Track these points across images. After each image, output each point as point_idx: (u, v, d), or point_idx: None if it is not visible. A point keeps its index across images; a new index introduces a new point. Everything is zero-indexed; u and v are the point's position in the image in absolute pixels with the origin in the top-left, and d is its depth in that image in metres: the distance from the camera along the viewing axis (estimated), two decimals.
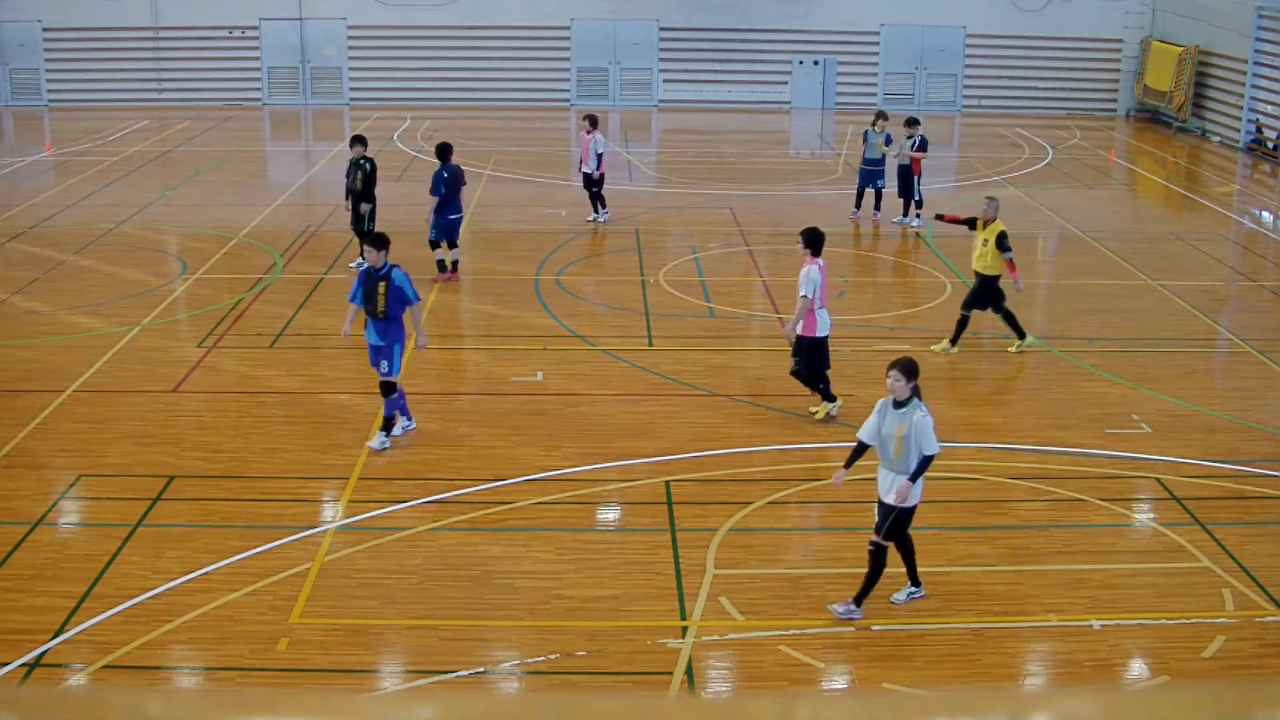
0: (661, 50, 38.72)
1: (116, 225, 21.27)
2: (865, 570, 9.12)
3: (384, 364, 11.88)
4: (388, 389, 11.93)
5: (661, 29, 38.52)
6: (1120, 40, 38.14)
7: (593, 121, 21.53)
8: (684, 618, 9.13)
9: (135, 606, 9.08)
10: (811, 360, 12.74)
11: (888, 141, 22.03)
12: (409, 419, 12.47)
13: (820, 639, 8.89)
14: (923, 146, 21.70)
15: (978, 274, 15.09)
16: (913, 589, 9.42)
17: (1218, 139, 33.73)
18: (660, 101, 38.81)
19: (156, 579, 9.46)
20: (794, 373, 12.90)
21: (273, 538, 10.17)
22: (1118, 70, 38.48)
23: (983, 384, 14.61)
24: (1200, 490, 11.45)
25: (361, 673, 8.50)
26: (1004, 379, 14.75)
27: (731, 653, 8.78)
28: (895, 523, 9.03)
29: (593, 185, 21.85)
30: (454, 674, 8.43)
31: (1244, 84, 32.47)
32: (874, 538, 9.08)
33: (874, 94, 38.97)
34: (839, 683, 8.58)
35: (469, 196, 24.09)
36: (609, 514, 11.08)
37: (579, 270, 18.95)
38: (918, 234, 21.62)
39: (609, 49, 38.74)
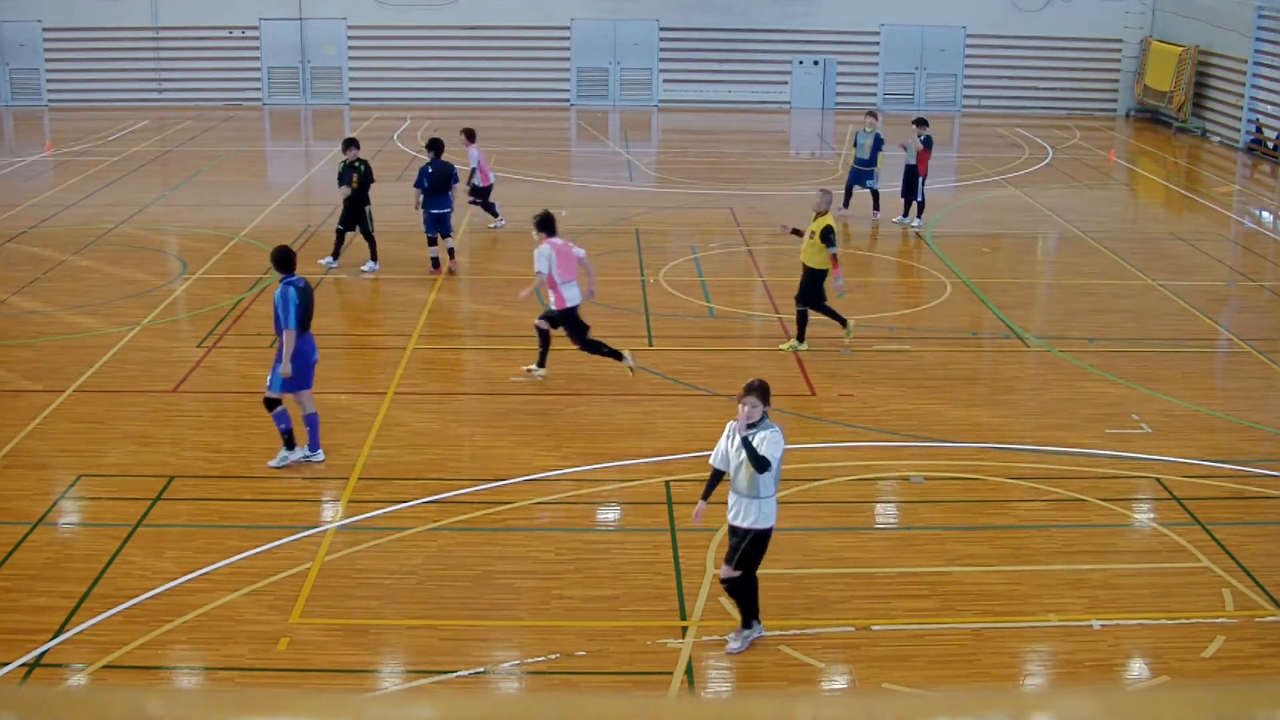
0: (661, 50, 38.72)
1: (116, 225, 21.27)
2: (746, 604, 8.69)
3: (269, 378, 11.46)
4: (267, 404, 11.51)
5: (661, 29, 38.52)
6: (1120, 40, 38.15)
7: (469, 135, 20.89)
8: (684, 618, 9.13)
9: (135, 606, 9.08)
10: (573, 330, 13.65)
11: (877, 142, 22.03)
12: (314, 450, 11.66)
13: (820, 639, 8.89)
14: (928, 145, 21.74)
15: (804, 266, 14.92)
16: (747, 631, 8.72)
17: (1218, 139, 33.73)
18: (660, 101, 38.81)
19: (156, 579, 9.46)
20: (582, 347, 13.73)
21: (273, 538, 10.17)
22: (1118, 70, 38.48)
23: (983, 384, 14.61)
24: (1200, 490, 11.45)
25: (361, 673, 8.50)
26: (1004, 379, 14.75)
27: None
28: (747, 551, 8.47)
29: (481, 195, 21.12)
30: (454, 674, 8.43)
31: (1244, 84, 32.48)
32: (724, 569, 8.56)
33: (874, 94, 38.97)
34: (839, 683, 8.58)
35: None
36: (609, 514, 11.08)
37: None
38: (918, 234, 21.62)
39: (609, 49, 38.74)
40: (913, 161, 21.77)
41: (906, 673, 8.52)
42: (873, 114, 22.75)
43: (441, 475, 11.48)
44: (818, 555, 10.18)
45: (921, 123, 22.05)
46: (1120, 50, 38.26)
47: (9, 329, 15.75)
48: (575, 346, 13.79)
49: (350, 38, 38.18)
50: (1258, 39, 31.99)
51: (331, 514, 10.78)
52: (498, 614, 9.15)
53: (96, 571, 9.57)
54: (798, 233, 15.32)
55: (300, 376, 11.42)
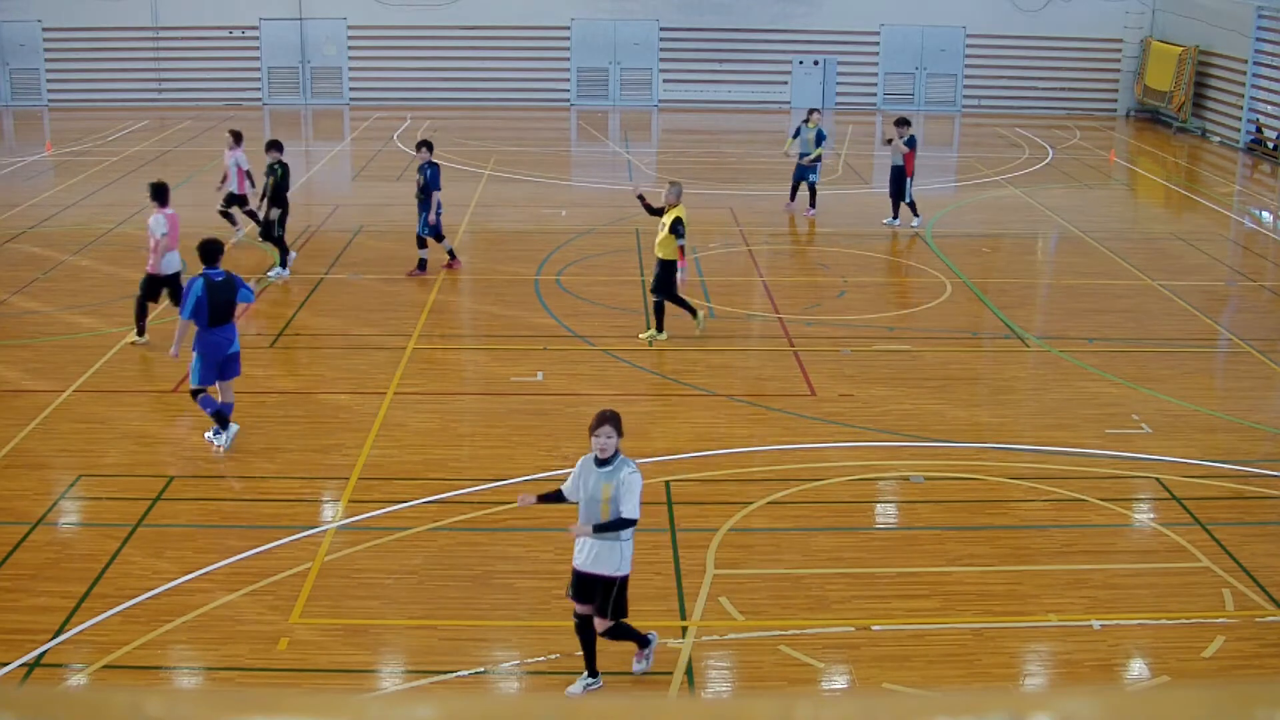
0: (661, 50, 38.72)
1: (116, 225, 21.27)
2: (631, 637, 8.26)
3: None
4: (192, 394, 11.93)
5: (661, 29, 38.52)
6: (1120, 40, 38.15)
7: (236, 137, 19.54)
8: (684, 618, 9.13)
9: (135, 606, 9.08)
10: (149, 295, 14.97)
11: (819, 138, 22.37)
12: (225, 427, 11.90)
13: (820, 639, 8.89)
14: (913, 145, 21.74)
15: (657, 258, 15.08)
16: (645, 649, 8.37)
17: (1218, 139, 33.73)
18: (660, 101, 38.81)
19: (156, 579, 9.46)
20: (140, 301, 14.99)
21: (273, 538, 10.17)
22: (1118, 70, 38.49)
23: (983, 384, 14.61)
24: (1200, 490, 11.45)
25: (361, 673, 8.50)
26: (1004, 379, 14.75)
27: (731, 653, 8.78)
28: (617, 600, 7.98)
29: (236, 203, 19.59)
30: (454, 674, 8.43)
31: (1244, 84, 32.48)
32: (602, 622, 8.05)
33: (874, 94, 39.00)
34: (839, 683, 8.58)
35: (469, 196, 24.11)
36: None
37: (577, 270, 18.94)
38: (918, 234, 21.62)
39: (609, 49, 38.74)
40: (899, 163, 21.82)
41: (906, 673, 8.52)
42: (816, 111, 23.12)
43: (441, 475, 11.48)
44: (818, 555, 10.18)
45: (903, 123, 22.09)
46: (1120, 50, 38.26)
47: (9, 329, 15.75)
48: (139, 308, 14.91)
49: (350, 38, 38.17)
50: (1258, 39, 31.99)
51: (331, 514, 10.78)
52: (498, 614, 9.15)
53: (96, 571, 9.57)
54: (646, 204, 15.65)
55: (216, 368, 11.84)
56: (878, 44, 38.71)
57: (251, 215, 19.27)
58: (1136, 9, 37.74)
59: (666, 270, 14.95)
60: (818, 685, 8.57)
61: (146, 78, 37.66)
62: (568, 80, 38.77)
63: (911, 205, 21.98)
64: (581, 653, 8.22)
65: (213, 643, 8.70)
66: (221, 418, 11.87)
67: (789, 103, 38.73)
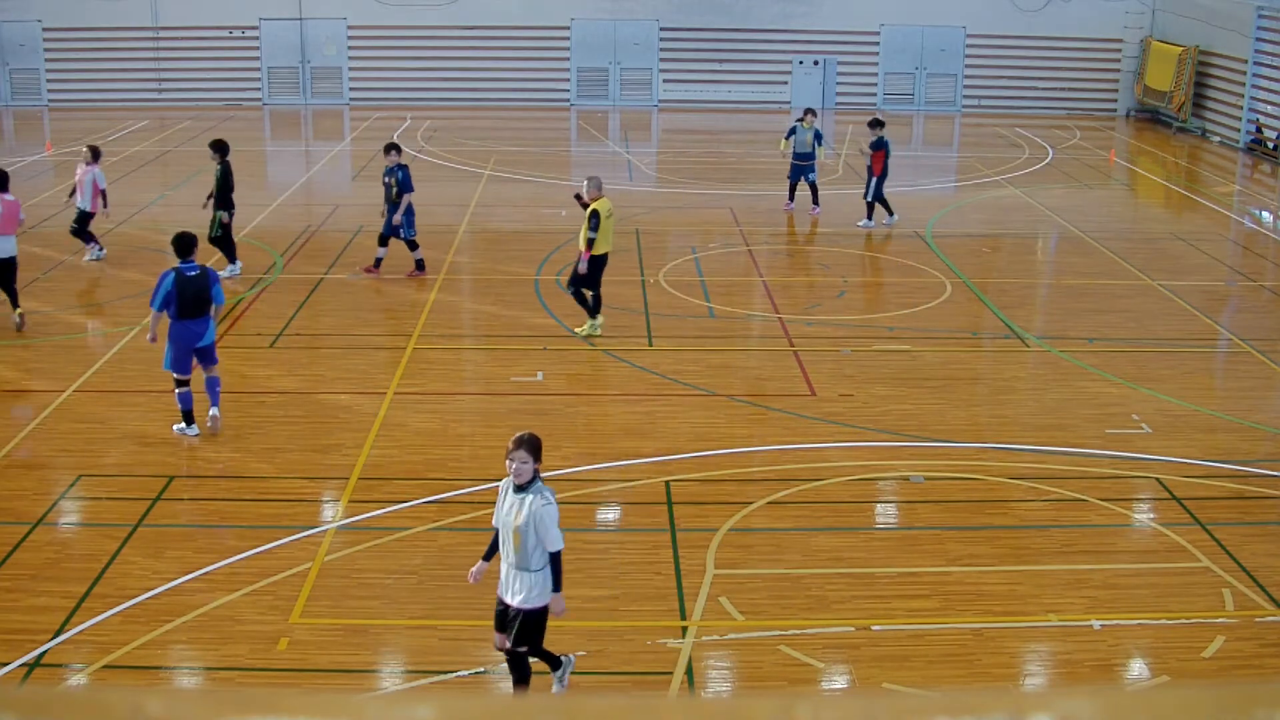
0: (661, 50, 38.71)
1: (116, 225, 21.25)
2: (544, 660, 8.07)
3: None
4: (176, 383, 12.24)
5: (661, 29, 38.52)
6: (1120, 40, 38.15)
7: (94, 153, 18.80)
8: (684, 618, 9.13)
9: (135, 606, 9.08)
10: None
11: (817, 137, 22.55)
12: (189, 424, 12.31)
13: (820, 639, 8.89)
14: (878, 147, 21.72)
15: (579, 250, 15.45)
16: (559, 671, 8.15)
17: (1218, 139, 33.73)
18: (660, 101, 38.81)
19: (156, 579, 9.46)
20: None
21: (273, 538, 10.17)
22: (1118, 70, 38.48)
23: (983, 384, 14.61)
24: (1200, 490, 11.45)
25: (361, 673, 8.50)
26: (1004, 379, 14.76)
27: (731, 653, 8.78)
28: (523, 631, 7.71)
29: (86, 220, 18.77)
30: (454, 674, 8.43)
31: (1244, 84, 32.48)
32: (498, 638, 7.89)
33: (874, 94, 38.99)
34: (839, 683, 8.58)
35: (469, 196, 24.12)
36: (609, 514, 11.08)
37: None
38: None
39: (609, 49, 38.73)
40: (869, 163, 21.88)
41: (906, 673, 8.52)
42: (811, 111, 23.20)
43: (441, 475, 11.48)
44: (818, 555, 10.18)
45: (876, 124, 22.12)
46: (1120, 50, 38.26)
47: (9, 329, 15.75)
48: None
49: (350, 38, 38.18)
50: (1258, 39, 31.98)
51: (331, 514, 10.78)
52: None
53: (96, 571, 9.57)
54: (580, 201, 15.81)
55: (189, 356, 12.11)
56: (878, 44, 38.71)
57: (87, 233, 18.85)
58: (1136, 9, 37.74)
59: (590, 262, 15.23)
60: (818, 685, 8.57)
61: (146, 78, 37.66)
62: (568, 80, 38.77)
63: (884, 203, 21.99)
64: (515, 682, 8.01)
65: (213, 643, 8.70)
66: (190, 418, 12.23)
67: (789, 103, 38.72)
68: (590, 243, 15.04)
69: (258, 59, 38.23)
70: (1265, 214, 26.16)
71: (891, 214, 22.02)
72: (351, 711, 1.01)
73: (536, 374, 14.22)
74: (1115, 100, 38.77)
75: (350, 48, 38.28)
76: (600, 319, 15.54)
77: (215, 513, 10.82)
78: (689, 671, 8.50)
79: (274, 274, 18.39)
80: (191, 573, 9.57)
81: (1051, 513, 11.00)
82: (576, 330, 15.59)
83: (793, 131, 22.78)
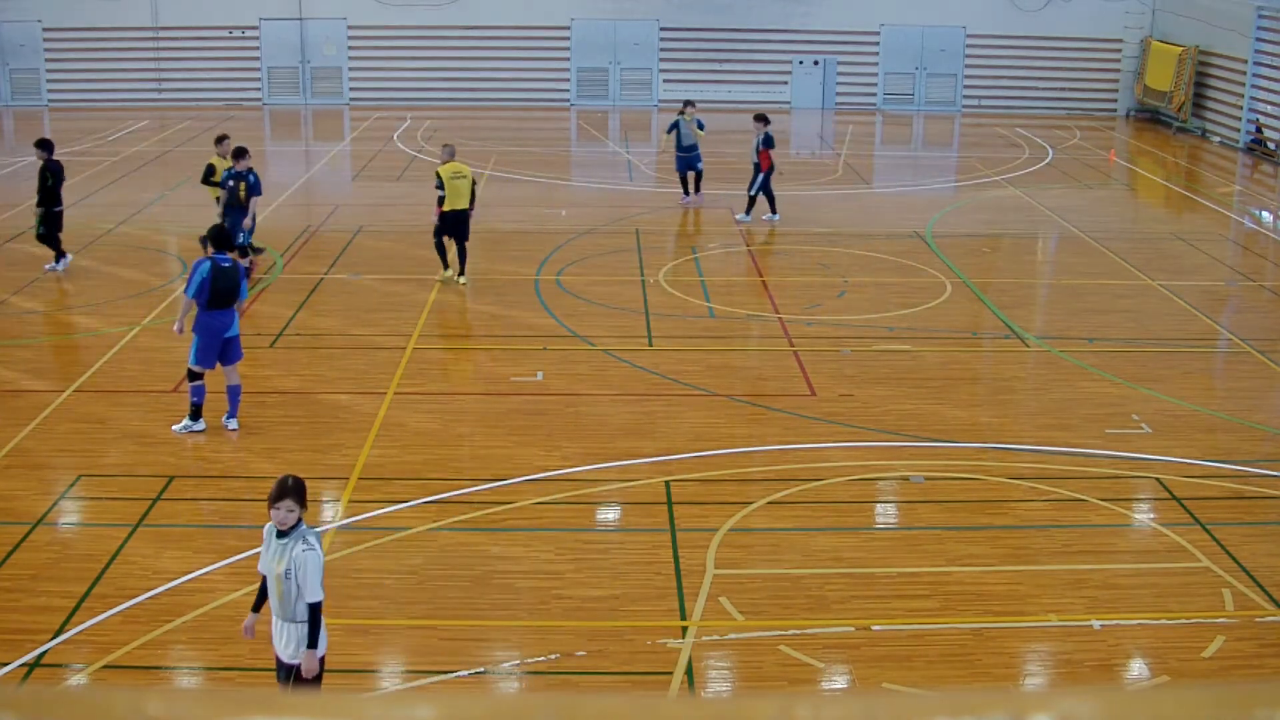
0: (661, 50, 38.71)
1: (116, 225, 21.27)
2: None
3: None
4: (189, 375, 12.33)
5: (661, 29, 38.52)
6: (1120, 40, 38.14)
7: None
8: (684, 618, 9.13)
9: (135, 606, 9.08)
10: None
11: (699, 126, 23.15)
12: (227, 419, 12.43)
13: (820, 639, 8.89)
14: (766, 144, 21.76)
15: (457, 209, 17.55)
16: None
17: (1218, 139, 33.73)
18: (660, 101, 38.79)
19: (156, 579, 9.46)
20: None
21: None
22: (1118, 70, 38.48)
23: (983, 384, 14.62)
24: (1200, 490, 11.45)
25: (361, 673, 8.50)
26: (1004, 379, 14.76)
27: (731, 653, 8.78)
28: (303, 682, 7.22)
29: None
30: (454, 674, 8.43)
31: (1244, 84, 32.47)
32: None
33: (874, 94, 38.99)
34: (839, 683, 8.58)
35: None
36: (609, 514, 11.09)
37: (577, 270, 18.95)
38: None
39: (609, 49, 38.73)
40: (756, 160, 21.94)
41: (906, 673, 8.52)
42: (690, 103, 23.85)
43: (441, 475, 11.48)
44: (818, 555, 10.18)
45: (761, 119, 22.15)
46: (1120, 50, 38.25)
47: (9, 329, 15.75)
48: None
49: (350, 38, 38.17)
50: (1258, 39, 31.98)
51: (331, 514, 10.78)
52: (498, 614, 9.15)
53: (96, 571, 9.57)
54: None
55: (215, 351, 12.18)
56: (878, 44, 38.70)
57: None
58: (1136, 9, 37.73)
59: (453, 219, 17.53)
60: (818, 685, 8.57)
61: (146, 78, 37.65)
62: (568, 80, 38.77)
63: (769, 199, 22.08)
64: None
65: (213, 643, 8.70)
66: (198, 411, 12.29)
67: (789, 103, 38.73)
68: (440, 200, 17.45)
69: (258, 59, 38.22)
70: (1265, 214, 26.16)
71: (774, 212, 22.12)
72: (351, 711, 1.01)
73: (536, 374, 14.23)
74: (1115, 100, 38.77)
75: (350, 48, 38.28)
76: (448, 271, 17.77)
77: (215, 513, 10.82)
78: (689, 671, 8.50)
79: (274, 274, 18.39)
80: (191, 573, 9.57)
81: (1051, 513, 11.00)
82: (450, 279, 17.67)
83: (675, 125, 23.31)
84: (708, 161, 24.38)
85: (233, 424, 12.40)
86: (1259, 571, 9.85)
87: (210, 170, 18.43)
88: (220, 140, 18.57)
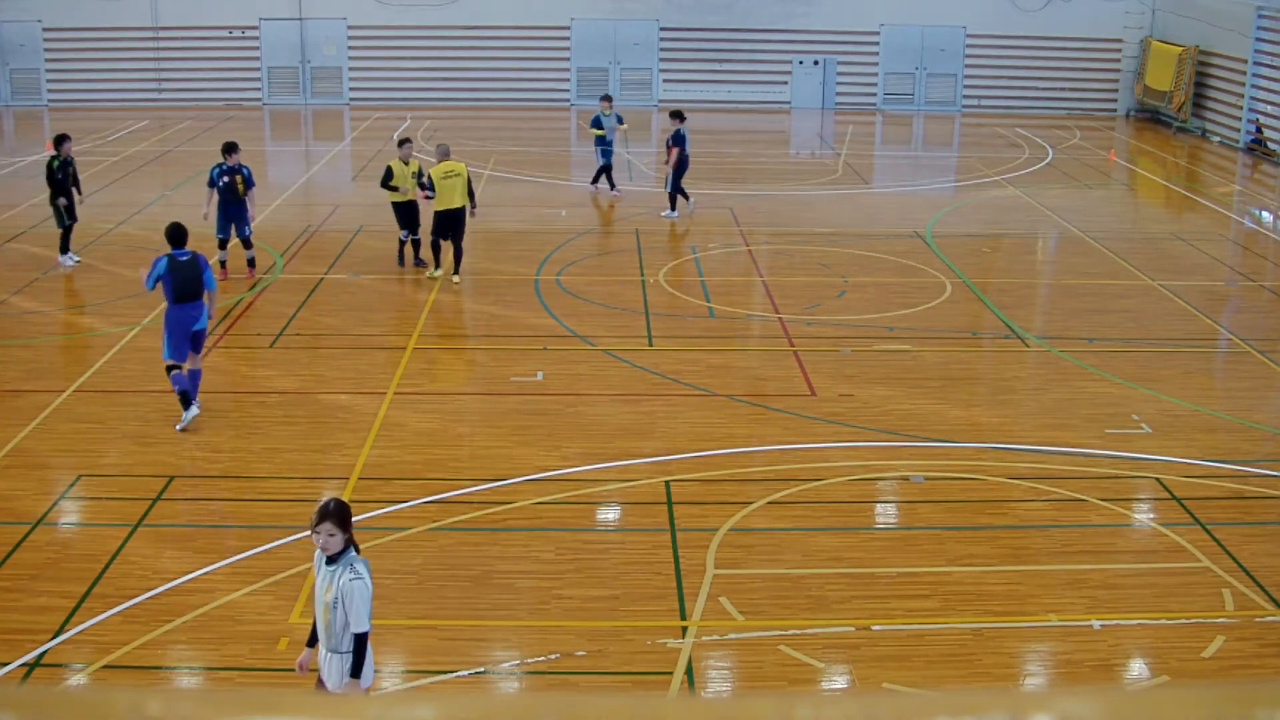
0: (661, 50, 38.72)
1: (116, 225, 21.28)
2: None
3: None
4: (166, 369, 12.57)
5: (661, 29, 38.52)
6: (1120, 40, 38.15)
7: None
8: (684, 618, 9.13)
9: (135, 606, 9.08)
10: None
11: (618, 120, 24.13)
12: (186, 408, 12.52)
13: (820, 639, 8.89)
14: (677, 141, 21.89)
15: (451, 209, 17.85)
16: None
17: (1218, 139, 33.73)
18: (660, 101, 38.79)
19: (156, 579, 9.46)
20: None
21: (273, 538, 10.17)
22: (1118, 70, 38.48)
23: (983, 384, 14.61)
24: (1200, 490, 11.45)
25: None
26: (1004, 379, 14.76)
27: (731, 653, 8.78)
28: None
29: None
30: (454, 674, 8.43)
31: (1244, 84, 32.47)
32: None
33: (874, 94, 38.99)
34: (839, 683, 8.58)
35: None
36: (609, 514, 11.08)
37: (577, 270, 18.95)
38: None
39: (609, 49, 38.74)
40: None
41: (906, 673, 8.52)
42: (607, 98, 24.54)
43: (441, 475, 11.48)
44: (818, 555, 10.18)
45: (676, 115, 22.35)
46: (1120, 50, 38.26)
47: (9, 329, 15.75)
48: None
49: (350, 38, 38.17)
50: (1258, 39, 31.98)
51: None
52: (498, 614, 9.15)
53: (96, 571, 9.57)
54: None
55: (184, 344, 12.47)
56: (878, 44, 38.71)
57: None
58: (1136, 9, 37.74)
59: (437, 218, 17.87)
60: (818, 685, 8.57)
61: (146, 78, 37.66)
62: (568, 80, 38.77)
63: (681, 193, 22.26)
64: None
65: (213, 643, 8.70)
66: (186, 399, 12.44)
67: (789, 103, 38.73)
68: (419, 191, 18.03)
69: (258, 59, 38.22)
70: (1265, 214, 26.16)
71: (688, 199, 22.41)
72: (351, 711, 1.01)
73: (536, 374, 14.23)
74: (1115, 100, 38.77)
75: (350, 48, 38.28)
76: (438, 270, 18.10)
77: (215, 513, 10.82)
78: (689, 671, 8.50)
79: (274, 274, 18.39)
80: (191, 573, 9.57)
81: (1051, 513, 11.00)
82: (444, 277, 17.92)
83: (598, 121, 23.85)
84: (708, 161, 24.40)
85: (192, 408, 12.61)
86: (1259, 571, 9.85)
87: (389, 173, 18.57)
88: (402, 143, 19.12)
